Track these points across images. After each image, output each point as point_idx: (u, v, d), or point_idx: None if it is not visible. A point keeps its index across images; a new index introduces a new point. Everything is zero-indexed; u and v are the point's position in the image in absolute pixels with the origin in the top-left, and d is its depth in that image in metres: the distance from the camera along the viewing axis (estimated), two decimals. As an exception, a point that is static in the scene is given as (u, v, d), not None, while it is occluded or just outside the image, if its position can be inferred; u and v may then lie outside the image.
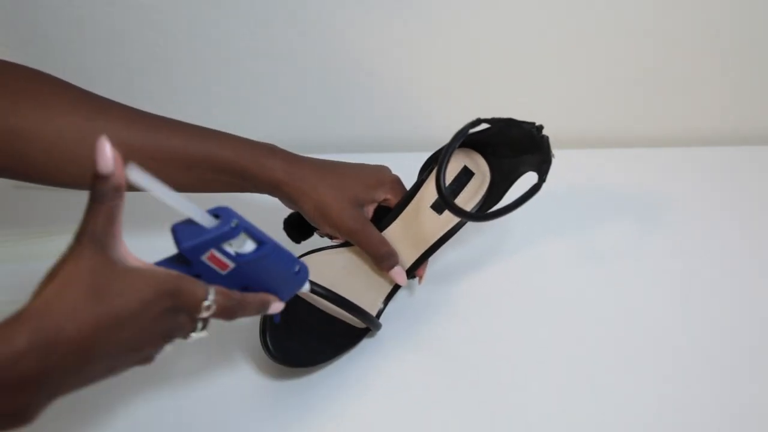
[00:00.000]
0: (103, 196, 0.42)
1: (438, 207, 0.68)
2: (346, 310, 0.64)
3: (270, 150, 0.64)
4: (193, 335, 0.47)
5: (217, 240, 0.45)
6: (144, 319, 0.43)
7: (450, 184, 0.68)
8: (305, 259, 0.67)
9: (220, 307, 0.47)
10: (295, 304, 0.66)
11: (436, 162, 0.67)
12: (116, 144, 0.46)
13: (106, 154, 0.42)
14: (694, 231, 0.80)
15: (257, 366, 0.66)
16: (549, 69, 0.91)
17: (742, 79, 0.92)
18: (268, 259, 0.49)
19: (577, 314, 0.71)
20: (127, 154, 0.49)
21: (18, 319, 0.40)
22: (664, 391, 0.64)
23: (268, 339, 0.62)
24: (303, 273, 0.54)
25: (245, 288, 0.49)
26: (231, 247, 0.47)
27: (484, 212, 0.66)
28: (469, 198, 0.69)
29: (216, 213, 0.46)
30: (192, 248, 0.45)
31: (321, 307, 0.67)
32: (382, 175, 0.68)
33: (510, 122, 0.64)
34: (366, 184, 0.67)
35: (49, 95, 0.57)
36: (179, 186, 0.60)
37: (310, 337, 0.65)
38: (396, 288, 0.68)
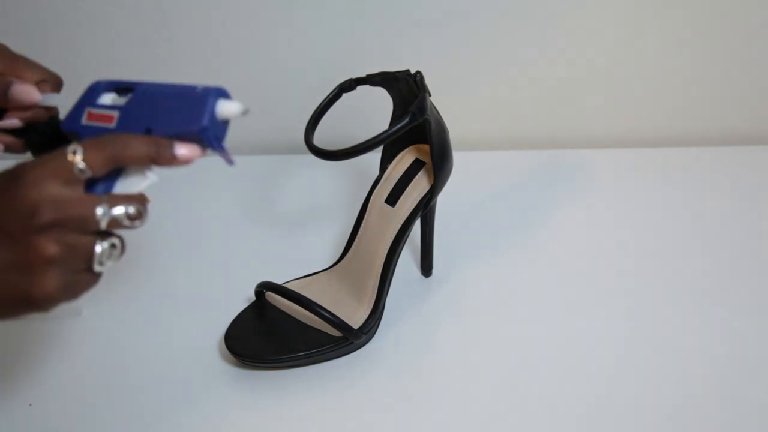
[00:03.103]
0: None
1: (390, 201, 0.69)
2: (310, 311, 0.64)
3: None
4: (99, 211, 0.42)
5: (86, 98, 0.43)
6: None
7: (402, 177, 0.70)
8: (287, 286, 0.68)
9: (93, 147, 0.41)
10: (271, 313, 0.67)
11: (388, 162, 0.71)
12: None
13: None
14: (695, 231, 0.80)
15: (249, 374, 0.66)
16: (549, 69, 0.91)
17: (742, 79, 0.92)
18: (151, 92, 0.44)
19: (578, 314, 0.70)
20: None
21: None
22: (665, 392, 0.64)
23: (229, 330, 0.65)
24: (209, 91, 0.44)
25: (149, 133, 0.43)
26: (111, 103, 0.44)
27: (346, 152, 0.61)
28: (415, 185, 0.70)
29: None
30: (66, 119, 0.43)
31: (298, 318, 0.67)
32: None
33: (385, 76, 0.65)
34: None
35: None
36: None
37: (276, 340, 0.65)
38: (379, 302, 0.67)
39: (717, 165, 0.90)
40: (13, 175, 0.41)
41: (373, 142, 0.60)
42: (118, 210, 0.42)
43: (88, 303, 0.72)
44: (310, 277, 0.70)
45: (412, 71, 0.64)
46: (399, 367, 0.66)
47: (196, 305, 0.73)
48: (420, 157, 0.71)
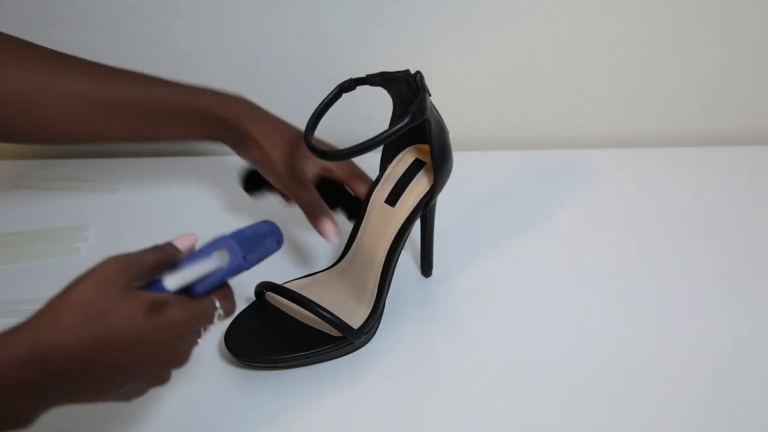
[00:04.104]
0: (164, 250, 0.49)
1: (390, 200, 0.69)
2: (310, 311, 0.63)
3: (235, 96, 0.68)
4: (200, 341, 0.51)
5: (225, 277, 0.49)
6: (150, 345, 0.45)
7: (402, 177, 0.70)
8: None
9: (226, 309, 0.50)
10: (271, 313, 0.67)
11: (388, 162, 0.71)
12: (79, 98, 0.57)
13: (188, 244, 0.51)
14: (694, 231, 0.80)
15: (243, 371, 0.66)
16: (549, 69, 0.91)
17: (742, 79, 0.92)
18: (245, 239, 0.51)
19: (578, 314, 0.70)
20: (90, 107, 0.59)
21: (21, 328, 0.42)
22: (665, 392, 0.64)
23: (229, 333, 0.65)
24: (278, 234, 0.55)
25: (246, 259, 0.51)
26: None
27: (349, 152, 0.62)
28: (415, 184, 0.69)
29: (215, 247, 0.49)
30: (203, 292, 0.49)
31: (298, 318, 0.67)
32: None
33: (385, 76, 0.65)
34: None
35: (9, 53, 0.59)
36: (142, 136, 0.67)
37: (278, 339, 0.65)
38: (380, 294, 0.67)
39: (717, 165, 0.90)
40: (174, 323, 0.46)
41: (373, 142, 0.60)
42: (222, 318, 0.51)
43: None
44: (310, 277, 0.70)
45: (412, 71, 0.64)
46: (399, 367, 0.66)
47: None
48: (420, 157, 0.71)
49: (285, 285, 0.67)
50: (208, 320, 0.49)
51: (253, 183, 0.74)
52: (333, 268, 0.70)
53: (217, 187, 0.87)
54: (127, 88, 0.63)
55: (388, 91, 0.67)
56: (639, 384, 0.64)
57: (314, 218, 0.68)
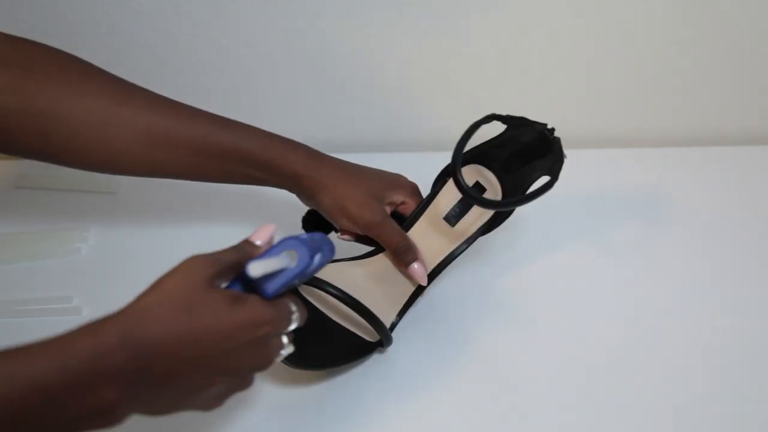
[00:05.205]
0: (243, 249, 0.49)
1: (451, 218, 0.68)
2: (362, 316, 0.62)
3: (293, 144, 0.65)
4: (282, 352, 0.49)
5: (295, 278, 0.48)
6: (236, 342, 0.45)
7: (461, 200, 0.68)
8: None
9: (301, 315, 0.50)
10: (308, 311, 0.64)
11: (449, 175, 0.68)
12: (141, 130, 0.56)
13: (267, 235, 0.50)
14: (695, 232, 0.80)
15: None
16: (551, 69, 0.91)
17: (742, 79, 0.92)
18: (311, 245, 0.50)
19: (582, 316, 0.71)
20: (152, 140, 0.57)
21: (112, 318, 0.42)
22: (672, 392, 0.64)
23: None
24: (330, 243, 0.54)
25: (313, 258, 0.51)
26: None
27: (500, 203, 0.67)
28: (482, 212, 0.68)
29: (283, 248, 0.48)
30: (275, 292, 0.47)
31: (334, 317, 0.65)
32: (400, 179, 0.70)
33: (523, 121, 0.65)
34: (385, 184, 0.67)
35: (78, 77, 0.58)
36: (200, 175, 0.64)
37: (321, 342, 0.63)
38: (410, 302, 0.67)
39: (717, 165, 0.90)
40: (257, 320, 0.46)
41: (534, 197, 0.63)
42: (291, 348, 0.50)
43: (86, 301, 0.72)
44: (332, 266, 0.66)
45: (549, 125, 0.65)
46: (399, 367, 0.66)
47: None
48: (480, 181, 0.69)
49: (339, 261, 0.66)
50: (286, 323, 0.48)
51: (314, 225, 0.70)
52: (360, 261, 0.67)
53: (217, 187, 0.87)
54: (191, 127, 0.61)
55: (509, 128, 0.67)
56: (639, 385, 0.64)
57: (405, 263, 0.66)
